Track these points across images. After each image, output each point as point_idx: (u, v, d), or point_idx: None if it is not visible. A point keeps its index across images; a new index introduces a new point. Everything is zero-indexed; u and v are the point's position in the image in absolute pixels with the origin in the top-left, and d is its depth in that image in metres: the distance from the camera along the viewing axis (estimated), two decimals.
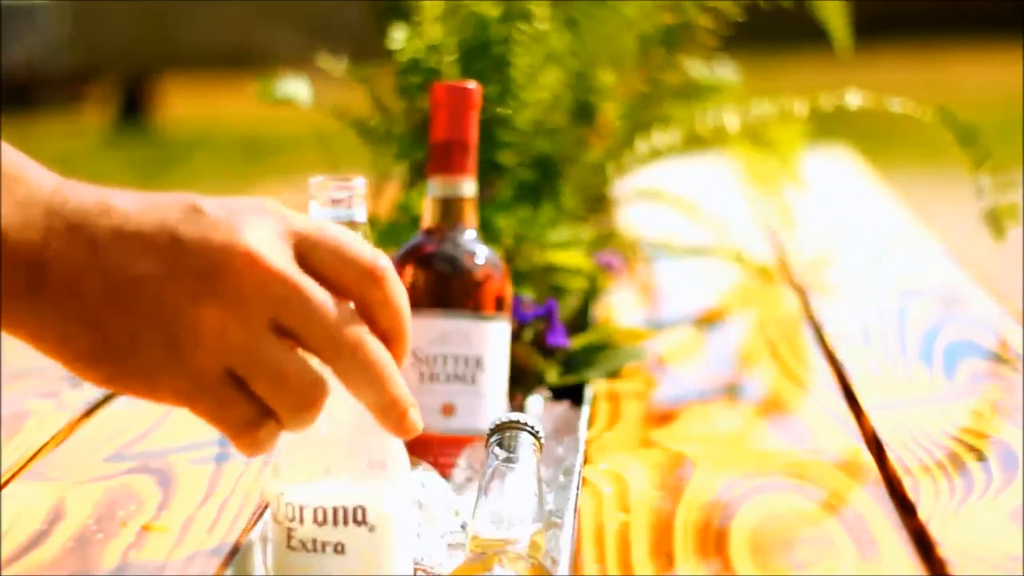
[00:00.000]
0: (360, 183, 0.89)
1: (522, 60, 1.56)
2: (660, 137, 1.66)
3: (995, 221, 1.54)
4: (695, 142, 1.67)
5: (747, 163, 1.87)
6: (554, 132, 1.60)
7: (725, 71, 1.78)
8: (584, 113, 1.63)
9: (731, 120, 1.64)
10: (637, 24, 1.58)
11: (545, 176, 1.60)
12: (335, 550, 0.87)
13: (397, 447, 0.90)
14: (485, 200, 1.43)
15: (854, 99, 1.62)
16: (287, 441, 0.89)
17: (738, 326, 1.60)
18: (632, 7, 1.59)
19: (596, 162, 1.66)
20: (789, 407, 1.29)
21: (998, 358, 1.42)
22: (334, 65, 1.69)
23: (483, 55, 1.56)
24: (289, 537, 0.88)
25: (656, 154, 1.67)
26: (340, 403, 0.86)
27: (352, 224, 0.88)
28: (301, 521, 0.88)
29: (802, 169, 1.87)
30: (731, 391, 1.35)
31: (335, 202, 0.88)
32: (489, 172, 1.54)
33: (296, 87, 1.68)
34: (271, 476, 0.90)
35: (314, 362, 0.81)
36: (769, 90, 1.81)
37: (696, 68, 1.76)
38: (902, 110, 1.60)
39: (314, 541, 0.88)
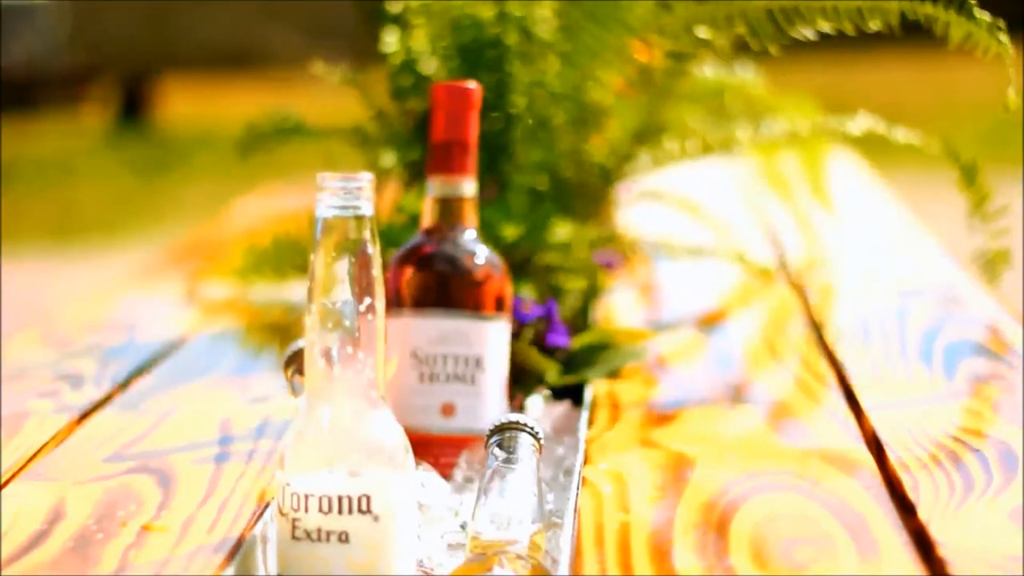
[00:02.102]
0: (367, 178, 0.90)
1: (518, 61, 1.56)
2: (671, 145, 1.66)
3: (988, 267, 1.54)
4: (708, 149, 1.67)
5: (767, 169, 1.87)
6: (553, 134, 1.60)
7: (746, 73, 1.78)
8: (585, 115, 1.63)
9: (747, 132, 1.65)
10: (639, 29, 1.58)
11: (545, 177, 1.60)
12: (339, 539, 0.88)
13: (401, 438, 0.90)
14: (485, 200, 1.43)
15: (860, 124, 1.62)
16: (292, 432, 0.89)
17: (738, 326, 1.60)
18: (634, 11, 1.58)
19: (598, 164, 1.66)
20: (789, 407, 1.29)
21: (998, 358, 1.42)
22: (328, 72, 1.69)
23: (477, 57, 1.56)
24: (294, 528, 0.89)
25: (664, 160, 1.67)
26: (344, 394, 0.87)
27: (359, 218, 0.89)
28: (306, 510, 0.88)
29: (827, 182, 1.87)
30: (731, 391, 1.35)
31: (342, 196, 0.89)
32: (489, 173, 1.54)
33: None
34: (277, 468, 0.90)
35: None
36: (774, 92, 1.81)
37: (715, 71, 1.76)
38: (908, 141, 1.61)
39: (319, 530, 0.88)
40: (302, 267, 1.63)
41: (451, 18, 1.57)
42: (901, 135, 1.61)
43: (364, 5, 1.67)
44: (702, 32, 1.54)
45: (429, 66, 1.57)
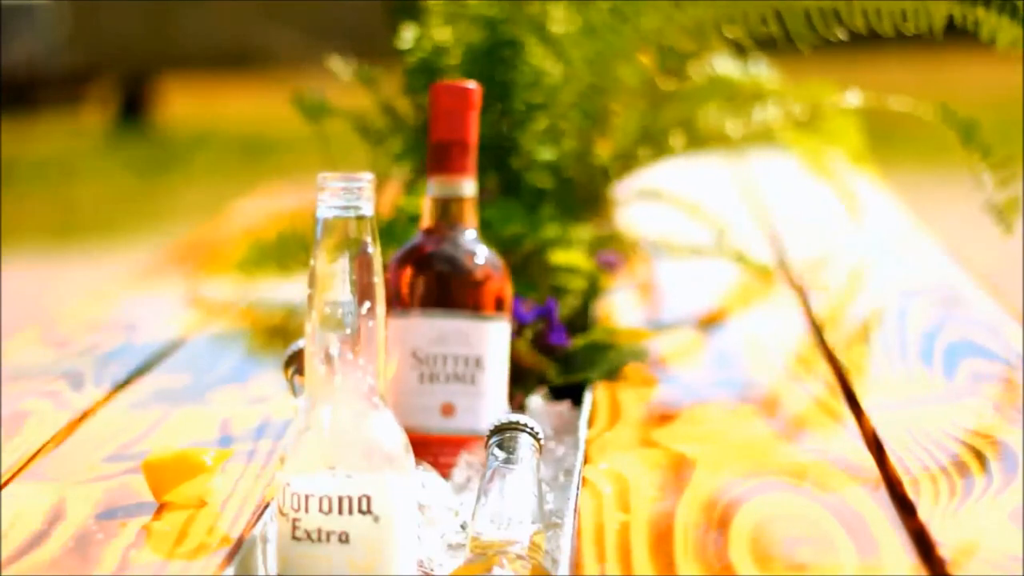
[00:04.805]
0: (367, 178, 0.90)
1: (531, 62, 1.56)
2: (672, 140, 1.66)
3: (1000, 216, 1.54)
4: (706, 142, 1.67)
5: (804, 153, 1.85)
6: (562, 133, 1.60)
7: (760, 69, 1.77)
8: (593, 114, 1.63)
9: (741, 120, 1.64)
10: (650, 28, 1.58)
11: (552, 177, 1.60)
12: (340, 540, 0.88)
13: (401, 439, 0.90)
14: (485, 200, 1.43)
15: (855, 98, 1.62)
16: (293, 432, 0.89)
17: (738, 326, 1.60)
18: (645, 11, 1.58)
19: (603, 164, 1.66)
20: (789, 407, 1.29)
21: (998, 358, 1.42)
22: (342, 68, 1.69)
23: (492, 57, 1.56)
24: (294, 528, 0.89)
25: (664, 154, 1.67)
26: (344, 395, 0.87)
27: (359, 218, 0.89)
28: (307, 510, 0.88)
29: (867, 158, 1.85)
30: (731, 391, 1.35)
31: (343, 196, 0.89)
32: (495, 173, 1.54)
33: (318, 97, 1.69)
34: (277, 468, 0.90)
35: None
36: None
37: (728, 66, 1.75)
38: (903, 108, 1.61)
39: (319, 531, 0.88)
40: (305, 262, 1.63)
41: (467, 17, 1.57)
42: (897, 103, 1.61)
43: (389, 2, 1.67)
44: (730, 32, 1.54)
45: (446, 63, 1.57)
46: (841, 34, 1.50)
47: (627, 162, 1.68)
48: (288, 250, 1.66)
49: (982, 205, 1.54)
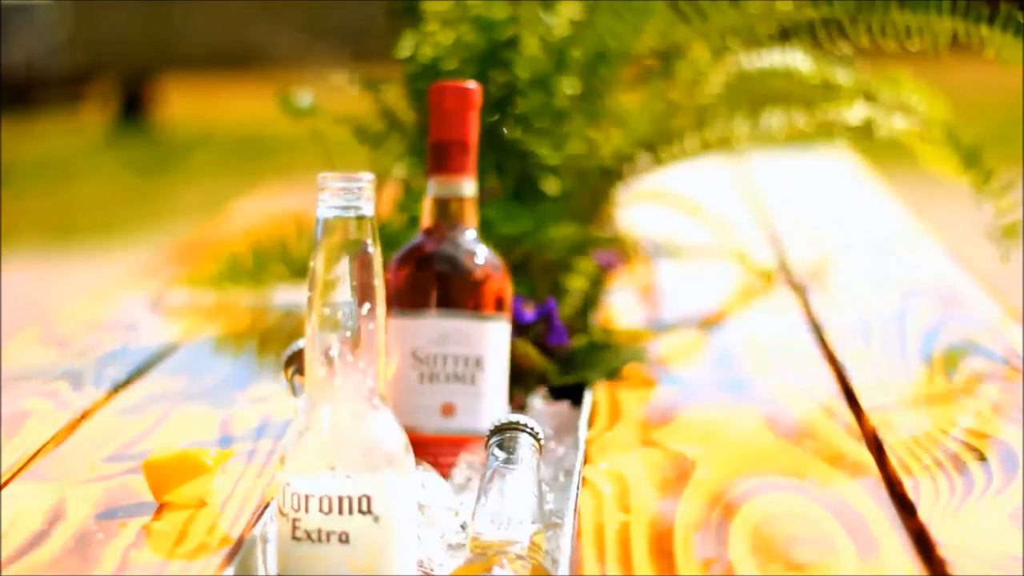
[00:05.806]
0: (368, 178, 0.90)
1: (532, 62, 1.56)
2: (678, 145, 1.65)
3: (999, 242, 1.54)
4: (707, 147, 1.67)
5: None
6: (565, 135, 1.59)
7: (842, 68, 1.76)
8: (596, 115, 1.63)
9: (747, 126, 1.64)
10: (652, 30, 1.58)
11: (554, 179, 1.60)
12: (340, 540, 0.88)
13: (401, 439, 0.90)
14: (485, 200, 1.43)
15: (859, 112, 1.62)
16: (293, 432, 0.90)
17: (738, 326, 1.60)
18: (646, 14, 1.58)
19: (608, 165, 1.66)
20: (789, 407, 1.29)
21: (998, 358, 1.42)
22: (343, 76, 1.68)
23: (493, 58, 1.56)
24: (294, 528, 0.89)
25: (671, 158, 1.67)
26: (344, 395, 0.87)
27: (360, 218, 0.89)
28: (307, 511, 0.88)
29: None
30: (731, 391, 1.35)
31: (343, 196, 0.89)
32: (496, 172, 1.54)
33: (307, 98, 1.68)
34: (277, 468, 0.90)
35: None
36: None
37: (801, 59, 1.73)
38: (908, 127, 1.60)
39: (319, 531, 0.88)
40: (279, 274, 1.64)
41: (468, 19, 1.57)
42: (900, 122, 1.61)
43: (392, 4, 1.66)
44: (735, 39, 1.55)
45: (448, 67, 1.57)
46: (847, 48, 1.51)
47: (630, 163, 1.67)
48: (263, 263, 1.66)
49: (983, 231, 1.54)
